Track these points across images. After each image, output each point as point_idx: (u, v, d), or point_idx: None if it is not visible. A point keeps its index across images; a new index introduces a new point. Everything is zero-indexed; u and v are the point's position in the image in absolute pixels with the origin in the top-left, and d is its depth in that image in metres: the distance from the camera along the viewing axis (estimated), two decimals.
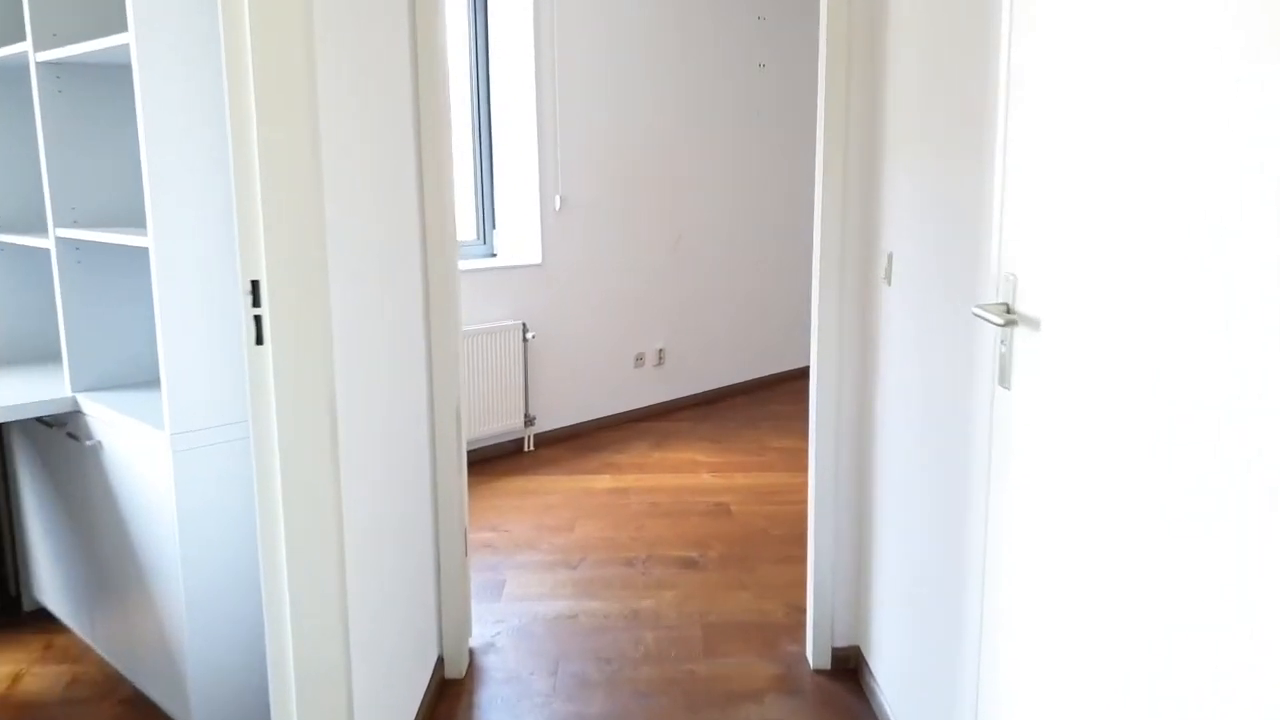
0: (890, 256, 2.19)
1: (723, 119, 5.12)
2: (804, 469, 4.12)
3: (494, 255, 4.47)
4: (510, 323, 4.22)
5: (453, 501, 2.47)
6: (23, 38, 2.57)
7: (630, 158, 4.67)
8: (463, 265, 4.15)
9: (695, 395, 5.22)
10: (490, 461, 4.22)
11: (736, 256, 5.34)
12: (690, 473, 4.07)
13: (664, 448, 4.43)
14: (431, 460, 2.43)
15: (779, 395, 5.45)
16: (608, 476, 4.03)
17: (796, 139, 5.61)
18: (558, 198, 4.38)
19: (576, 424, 4.62)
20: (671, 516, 3.57)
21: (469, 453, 4.17)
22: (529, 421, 4.35)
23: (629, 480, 3.98)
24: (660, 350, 4.97)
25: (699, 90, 4.97)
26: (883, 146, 2.26)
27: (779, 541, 3.34)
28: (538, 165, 4.28)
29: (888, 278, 2.20)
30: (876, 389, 2.32)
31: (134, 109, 2.32)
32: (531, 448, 4.40)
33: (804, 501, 3.72)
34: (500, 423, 4.20)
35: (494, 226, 4.46)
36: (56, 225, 2.25)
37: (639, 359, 4.87)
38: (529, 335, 4.28)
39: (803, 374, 5.92)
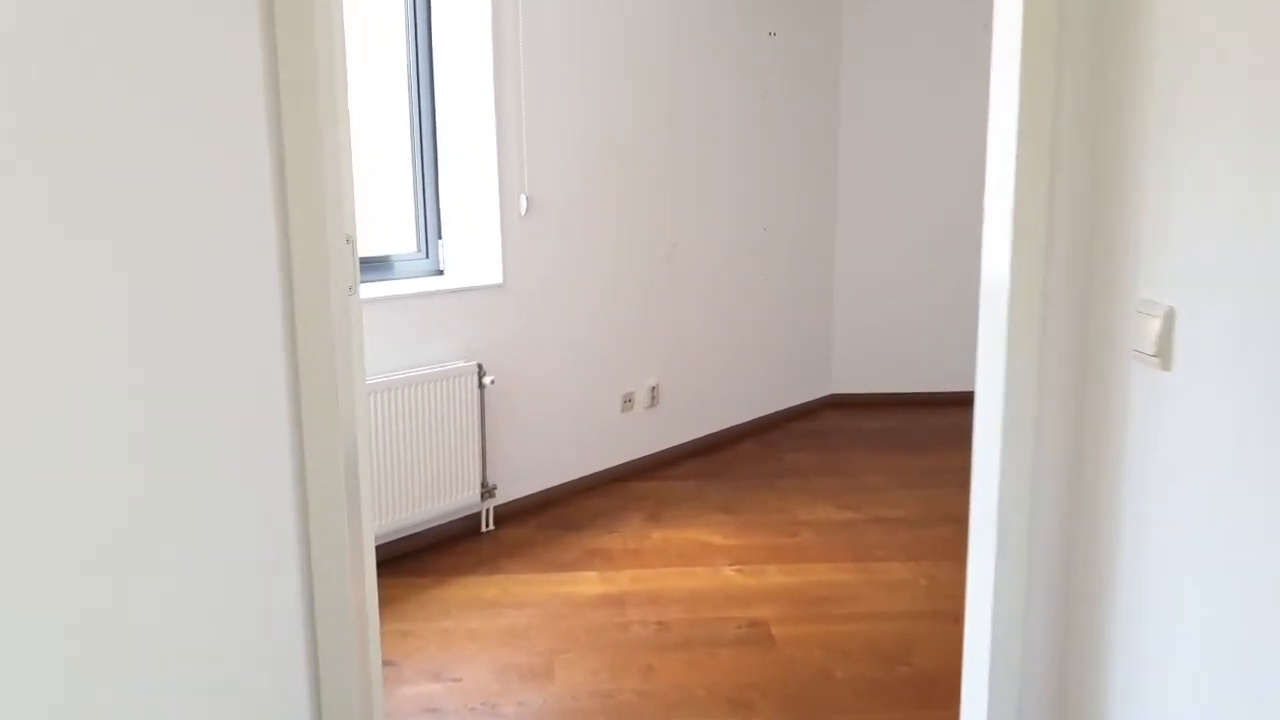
0: (1170, 315, 1.18)
1: (726, 98, 4.10)
2: (851, 558, 3.12)
3: (440, 273, 3.40)
4: (462, 364, 3.17)
5: (346, 649, 1.44)
6: None
7: (614, 147, 3.63)
8: (394, 288, 3.08)
9: (696, 441, 4.20)
10: (435, 553, 3.16)
11: (745, 268, 4.33)
12: (705, 564, 3.06)
13: (665, 522, 3.41)
14: (303, 583, 1.40)
15: (794, 438, 4.45)
16: (594, 574, 3.00)
17: (815, 123, 4.61)
18: (523, 198, 3.33)
19: (549, 489, 3.58)
20: (690, 649, 2.54)
21: (402, 542, 3.10)
22: (487, 493, 3.30)
23: (624, 581, 2.95)
24: (653, 388, 3.94)
25: (698, 63, 3.94)
26: (1142, 135, 1.25)
27: (853, 692, 2.34)
28: (496, 156, 3.23)
29: (1163, 355, 1.19)
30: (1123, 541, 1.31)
31: None
32: (491, 526, 3.34)
33: (872, 616, 2.72)
34: (449, 498, 3.15)
35: (439, 236, 3.39)
36: None
37: (627, 400, 3.84)
38: (486, 380, 3.23)
39: (819, 407, 4.93)
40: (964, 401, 5.12)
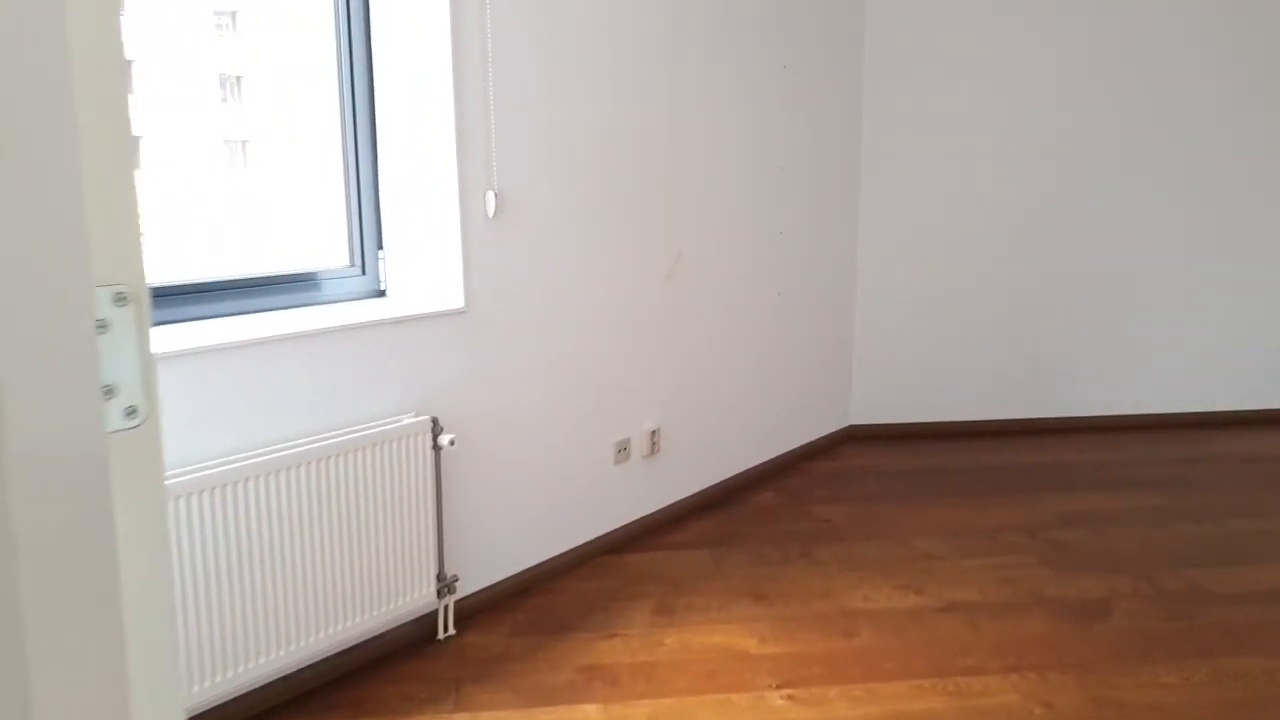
0: None
1: (739, 78, 3.32)
2: (932, 670, 2.36)
3: (381, 294, 2.58)
4: (410, 420, 2.35)
5: None
6: None
7: (605, 137, 2.83)
8: (319, 317, 2.24)
9: (706, 492, 3.43)
10: (377, 677, 2.34)
11: (758, 282, 3.56)
12: (743, 686, 2.28)
13: (680, 617, 2.62)
14: None
15: (818, 483, 3.69)
16: (595, 708, 2.20)
17: (835, 110, 3.85)
18: (490, 196, 2.51)
19: (526, 573, 2.78)
20: None
21: (332, 663, 2.28)
22: (446, 587, 2.49)
23: (638, 719, 2.16)
24: (653, 433, 3.16)
25: (706, 44, 3.15)
26: None
27: None
28: (455, 141, 2.41)
29: None
30: None
31: None
32: (451, 630, 2.53)
33: None
34: (394, 599, 2.33)
35: (379, 246, 2.57)
36: None
37: (621, 450, 3.05)
38: (444, 439, 2.41)
39: (837, 442, 4.17)
40: (999, 432, 4.43)
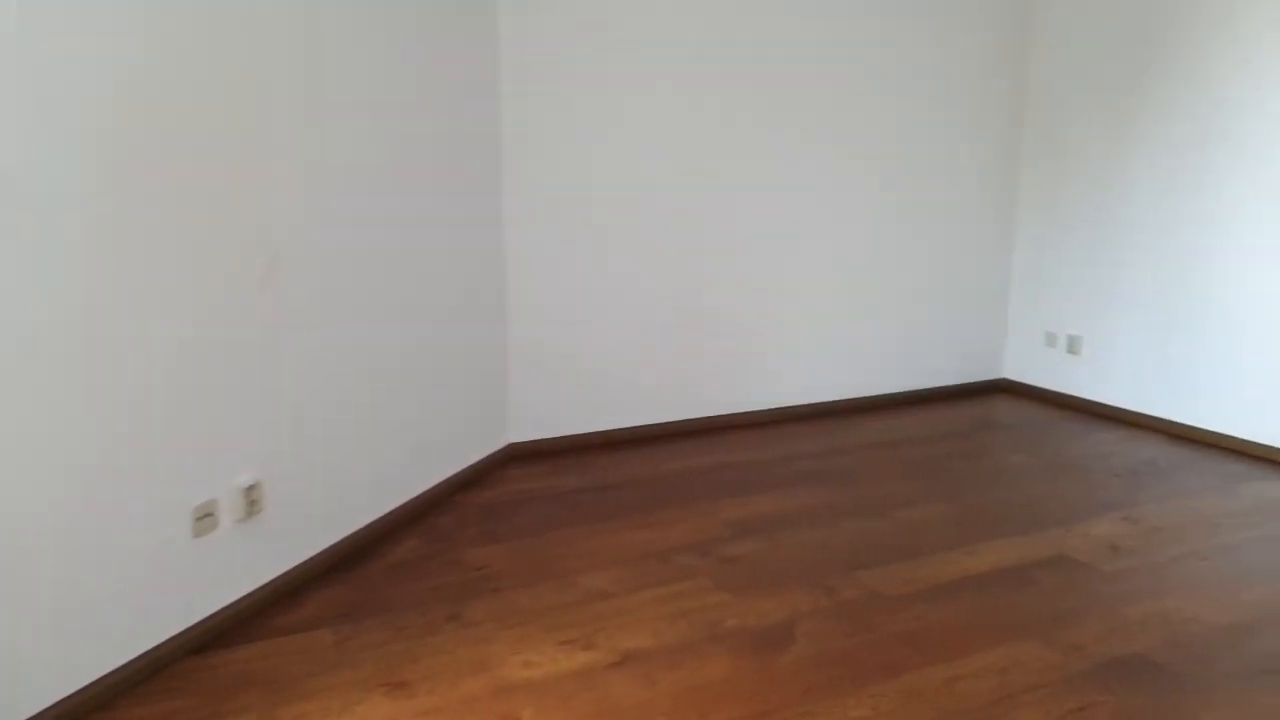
0: None
1: (348, 34, 2.70)
2: None
3: None
4: None
5: None
6: None
7: (135, 105, 2.09)
8: None
9: (329, 552, 2.78)
10: None
11: (387, 286, 2.96)
12: None
13: None
14: None
15: (473, 520, 3.18)
16: None
17: (470, 84, 3.35)
18: None
19: (61, 704, 1.97)
20: None
21: None
22: None
23: None
24: (251, 488, 2.46)
25: None
26: None
27: None
28: None
29: None
30: None
31: None
32: None
33: None
34: None
35: None
36: None
37: (204, 516, 2.32)
38: None
39: (495, 466, 3.69)
40: (667, 436, 4.18)
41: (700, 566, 2.82)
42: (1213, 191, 3.99)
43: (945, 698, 2.12)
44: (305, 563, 2.67)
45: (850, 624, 2.47)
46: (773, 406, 4.43)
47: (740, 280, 4.22)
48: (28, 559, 1.88)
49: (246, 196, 2.37)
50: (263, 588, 2.51)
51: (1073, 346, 4.73)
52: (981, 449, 4.04)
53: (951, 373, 4.98)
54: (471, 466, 3.53)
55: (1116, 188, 4.42)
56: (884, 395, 4.76)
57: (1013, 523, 3.18)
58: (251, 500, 2.44)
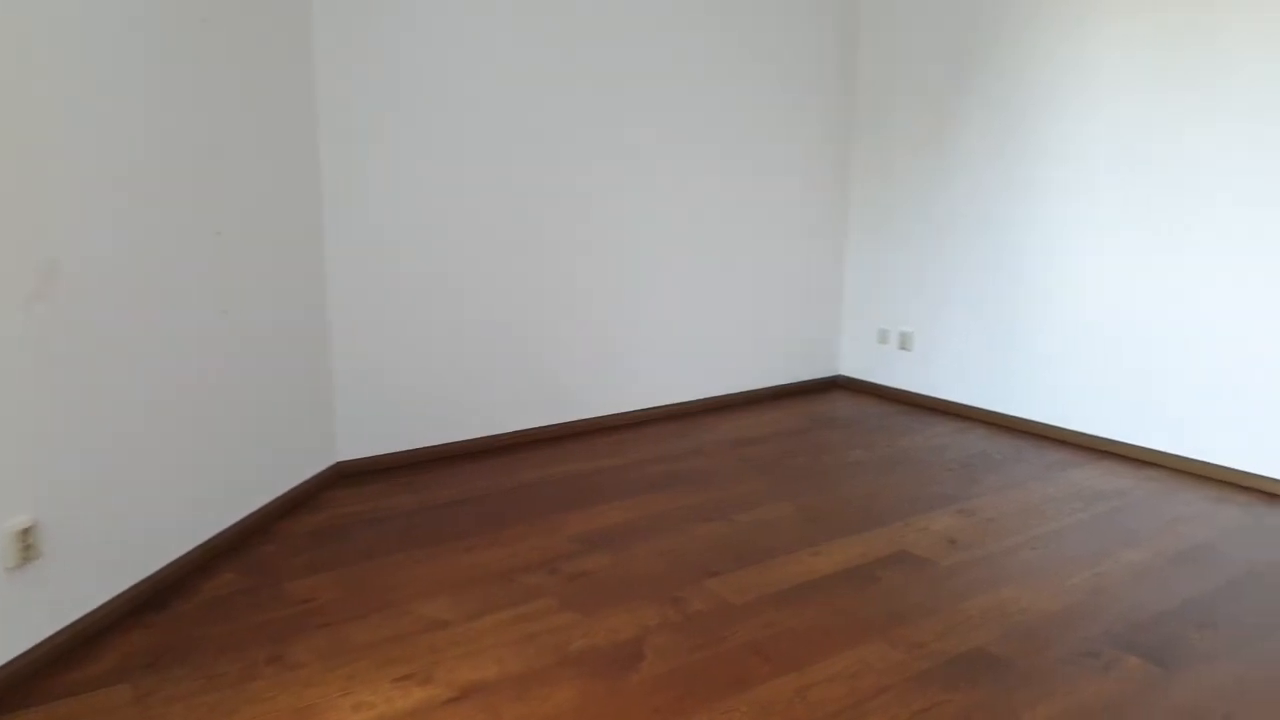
0: None
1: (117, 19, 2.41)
2: None
3: None
4: None
5: None
6: None
7: None
8: None
9: (128, 594, 2.48)
10: None
11: (191, 297, 2.67)
12: None
13: None
14: None
15: (296, 548, 2.94)
16: None
17: (289, 94, 3.09)
18: None
19: None
20: None
21: None
22: None
23: None
24: (26, 531, 2.15)
25: None
26: None
27: None
28: None
29: None
30: None
31: None
32: None
33: None
34: None
35: None
36: None
37: None
38: None
39: (322, 487, 3.44)
40: (510, 446, 4.03)
41: (546, 585, 2.70)
42: (1025, 190, 4.19)
43: (798, 707, 2.08)
44: (101, 608, 2.37)
45: (700, 636, 2.40)
46: (620, 411, 4.36)
47: (584, 284, 4.12)
48: None
49: (18, 201, 2.07)
50: (45, 642, 2.21)
51: (904, 343, 4.89)
52: (823, 446, 4.10)
53: (793, 371, 5.06)
54: (296, 489, 3.27)
55: (939, 187, 4.59)
56: (731, 395, 4.78)
57: (855, 520, 3.21)
58: (26, 545, 2.14)
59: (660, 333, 4.44)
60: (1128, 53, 3.76)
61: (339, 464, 3.56)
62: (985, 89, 4.33)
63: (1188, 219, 3.63)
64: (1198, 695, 2.15)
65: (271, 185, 3.05)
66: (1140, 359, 3.85)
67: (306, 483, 3.33)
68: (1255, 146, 3.40)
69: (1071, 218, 4.04)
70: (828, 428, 4.40)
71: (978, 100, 4.36)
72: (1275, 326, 3.42)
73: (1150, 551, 2.96)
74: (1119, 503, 3.40)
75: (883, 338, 5.02)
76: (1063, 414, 4.17)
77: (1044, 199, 4.14)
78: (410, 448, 3.73)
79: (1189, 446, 3.73)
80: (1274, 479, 3.49)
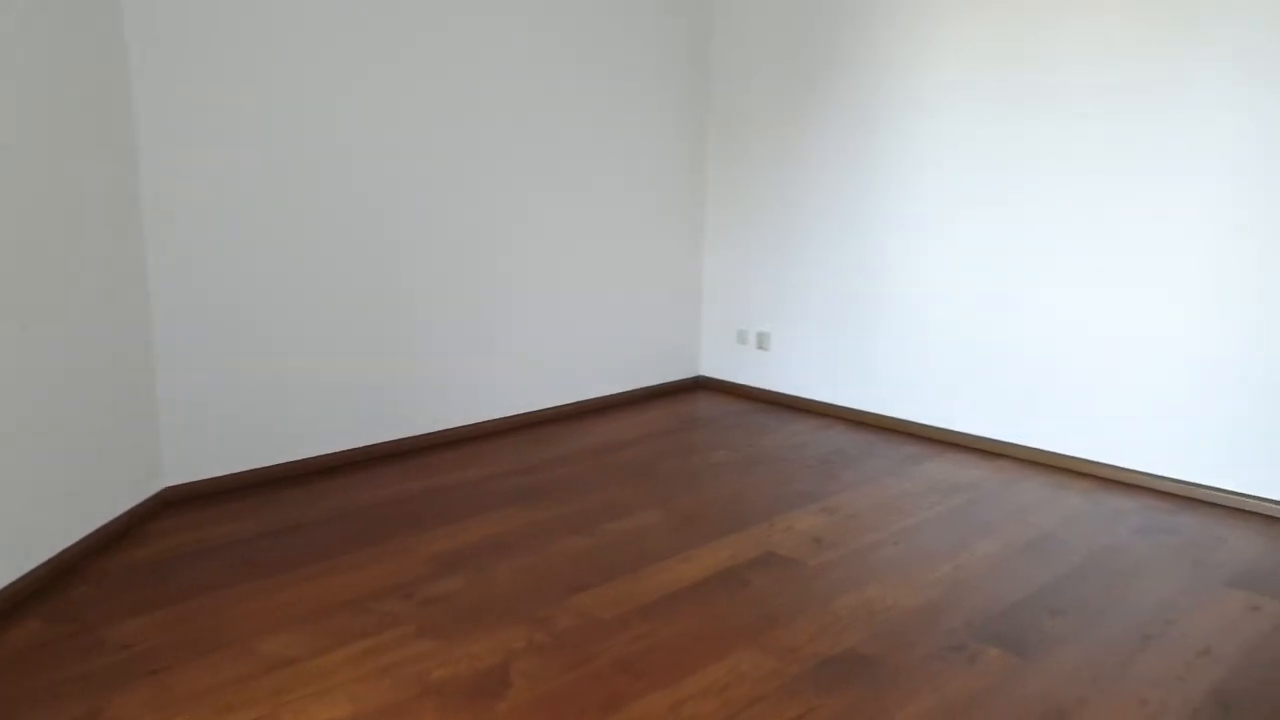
0: None
1: None
2: None
3: None
4: None
5: None
6: None
7: None
8: None
9: None
10: None
11: None
12: None
13: None
14: None
15: (117, 588, 2.65)
16: None
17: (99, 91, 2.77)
18: None
19: None
20: None
21: None
22: None
23: None
24: None
25: None
26: None
27: None
28: None
29: None
30: None
31: None
32: None
33: None
34: None
35: None
36: None
37: None
38: None
39: (145, 518, 3.13)
40: (360, 462, 3.76)
41: (402, 612, 2.52)
42: (873, 190, 4.29)
43: None
44: None
45: (568, 657, 2.30)
46: (474, 422, 4.19)
47: (429, 292, 3.93)
48: None
49: None
50: None
51: (762, 342, 4.93)
52: (687, 448, 4.06)
53: (655, 374, 5.02)
54: (115, 521, 2.95)
55: (792, 188, 4.65)
56: (591, 400, 4.69)
57: (722, 522, 3.18)
58: None
59: (514, 340, 4.30)
60: (965, 53, 3.90)
61: (166, 490, 3.25)
62: (831, 90, 4.41)
63: (1026, 217, 3.80)
64: (1054, 682, 2.20)
65: (78, 192, 2.74)
66: (984, 354, 4.00)
67: (127, 513, 3.02)
68: (1074, 148, 3.58)
69: (916, 217, 4.16)
70: (691, 429, 4.38)
71: (825, 101, 4.44)
72: (1104, 320, 3.61)
73: (1002, 542, 3.06)
74: (972, 494, 3.51)
75: (741, 338, 5.05)
76: (915, 409, 4.29)
77: (890, 199, 4.24)
78: (246, 469, 3.45)
79: (1032, 436, 3.90)
80: (1109, 465, 3.68)
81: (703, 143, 5.03)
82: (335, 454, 3.70)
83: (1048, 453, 3.85)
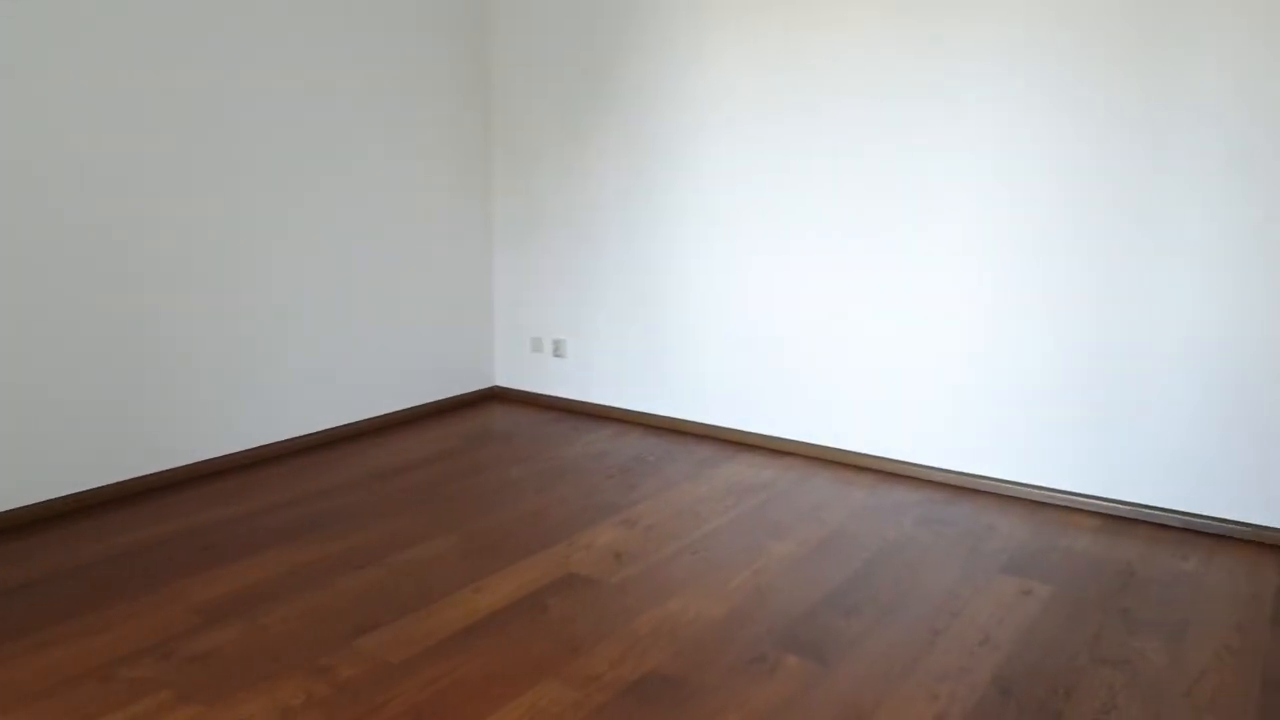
0: None
1: None
2: None
3: None
4: None
5: None
6: None
7: None
8: None
9: None
10: None
11: None
12: None
13: None
14: None
15: None
16: None
17: None
18: None
19: None
20: None
21: None
22: None
23: None
24: None
25: None
26: None
27: None
28: None
29: None
30: None
31: None
32: None
33: None
34: None
35: None
36: None
37: None
38: None
39: None
40: (111, 501, 3.32)
41: (159, 675, 2.22)
42: (656, 193, 4.29)
43: None
44: None
45: (354, 709, 2.09)
46: (244, 449, 3.83)
47: (192, 307, 3.55)
48: None
49: None
50: None
51: (558, 350, 4.83)
52: (480, 465, 3.89)
53: (444, 387, 4.80)
54: None
55: (579, 194, 4.58)
56: (374, 418, 4.41)
57: (520, 544, 3.04)
58: None
59: (287, 358, 3.97)
60: (746, 59, 3.96)
61: None
62: (614, 92, 4.37)
63: (799, 217, 3.90)
64: (850, 686, 2.23)
65: None
66: (764, 355, 4.09)
67: None
68: (846, 151, 3.73)
69: (696, 218, 4.19)
70: (485, 445, 4.21)
71: (608, 104, 4.40)
72: (877, 320, 3.77)
73: (797, 541, 3.11)
74: (766, 495, 3.56)
75: (536, 346, 4.93)
76: (707, 411, 4.33)
77: (673, 203, 4.26)
78: None
79: (817, 434, 4.02)
80: (889, 459, 3.85)
81: (487, 145, 4.86)
82: (80, 494, 3.25)
83: (833, 449, 3.98)
